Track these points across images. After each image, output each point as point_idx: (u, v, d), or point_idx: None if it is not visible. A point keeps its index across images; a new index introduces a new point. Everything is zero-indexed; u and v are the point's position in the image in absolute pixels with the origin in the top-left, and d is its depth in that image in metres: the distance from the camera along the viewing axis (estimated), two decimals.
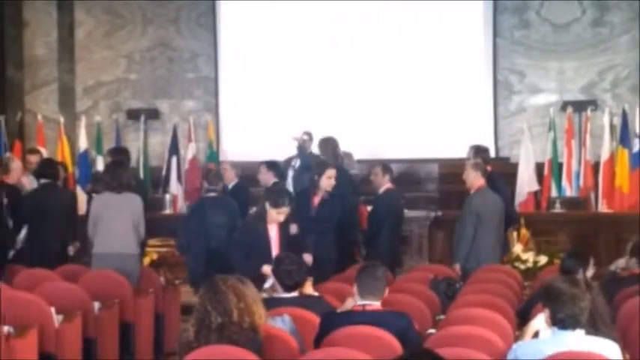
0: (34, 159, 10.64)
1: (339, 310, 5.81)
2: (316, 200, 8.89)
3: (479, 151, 9.80)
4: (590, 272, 6.54)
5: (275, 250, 7.48)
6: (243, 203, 10.12)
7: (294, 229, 8.04)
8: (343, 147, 10.87)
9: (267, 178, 9.92)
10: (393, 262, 9.23)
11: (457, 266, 8.80)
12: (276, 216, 7.52)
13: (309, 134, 11.21)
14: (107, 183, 8.36)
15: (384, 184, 9.71)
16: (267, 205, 7.53)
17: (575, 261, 6.56)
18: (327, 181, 8.87)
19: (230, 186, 10.56)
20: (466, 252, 8.85)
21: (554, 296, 4.65)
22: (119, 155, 9.86)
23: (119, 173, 8.42)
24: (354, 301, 5.61)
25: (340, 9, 13.92)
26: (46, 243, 9.10)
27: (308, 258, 7.29)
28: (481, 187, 9.09)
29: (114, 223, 8.18)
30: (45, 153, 11.94)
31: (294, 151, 11.18)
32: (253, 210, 8.04)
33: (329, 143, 10.51)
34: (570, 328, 4.59)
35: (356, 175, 11.10)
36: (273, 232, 7.54)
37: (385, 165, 9.91)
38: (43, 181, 9.41)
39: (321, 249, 8.40)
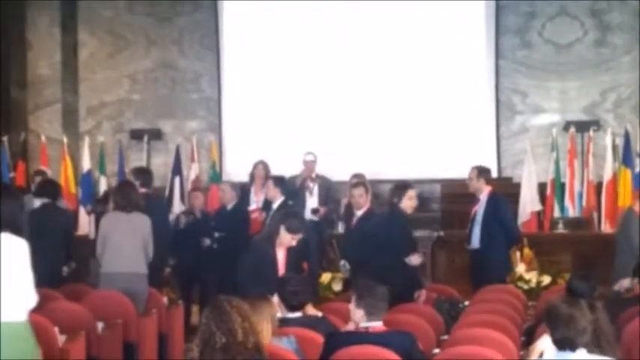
0: (39, 179, 10.65)
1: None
2: None
3: (482, 171, 9.72)
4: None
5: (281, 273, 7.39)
6: (243, 222, 10.14)
7: None
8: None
9: (274, 194, 9.85)
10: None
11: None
12: (289, 240, 7.34)
13: (313, 154, 11.37)
14: (116, 202, 8.34)
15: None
16: (283, 229, 7.39)
17: (586, 285, 6.48)
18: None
19: (229, 207, 10.57)
20: None
21: (552, 317, 4.66)
22: (144, 175, 9.68)
23: (128, 193, 8.41)
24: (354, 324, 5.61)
25: (343, 30, 13.98)
26: (44, 262, 9.09)
27: None
28: None
29: (123, 242, 8.14)
30: (49, 173, 11.94)
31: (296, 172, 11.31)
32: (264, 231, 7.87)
33: None
34: (568, 349, 4.59)
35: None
36: (281, 254, 7.41)
37: (398, 187, 9.07)
38: (42, 200, 9.41)
39: None
